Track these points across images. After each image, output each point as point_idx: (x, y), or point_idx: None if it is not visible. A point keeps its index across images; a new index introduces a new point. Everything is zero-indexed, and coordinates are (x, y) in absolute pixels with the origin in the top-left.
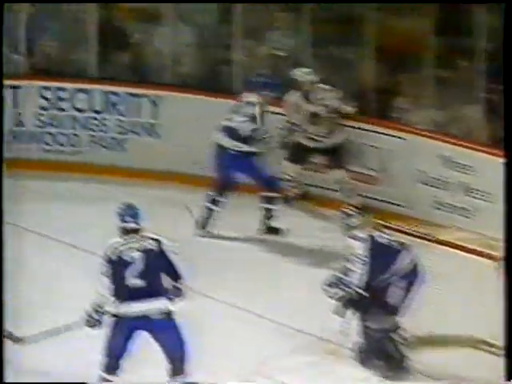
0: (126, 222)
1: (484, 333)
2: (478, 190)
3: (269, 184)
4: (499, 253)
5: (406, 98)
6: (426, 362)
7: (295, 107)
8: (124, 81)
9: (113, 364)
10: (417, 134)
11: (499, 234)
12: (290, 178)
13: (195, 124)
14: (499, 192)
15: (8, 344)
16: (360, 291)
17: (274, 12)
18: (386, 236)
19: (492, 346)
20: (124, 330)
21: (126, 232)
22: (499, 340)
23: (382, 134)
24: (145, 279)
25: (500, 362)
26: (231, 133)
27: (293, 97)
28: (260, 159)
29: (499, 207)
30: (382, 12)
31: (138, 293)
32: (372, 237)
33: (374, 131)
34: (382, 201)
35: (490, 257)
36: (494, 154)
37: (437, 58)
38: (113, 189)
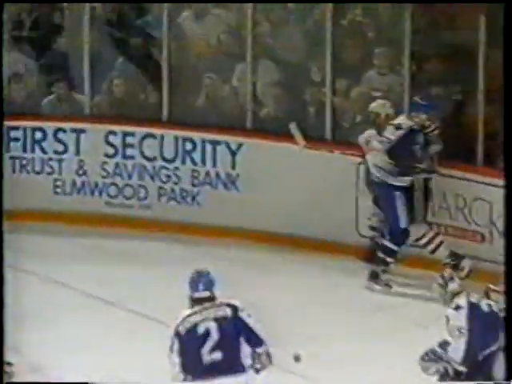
0: (198, 291)
1: None
2: None
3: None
4: None
5: None
6: None
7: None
8: (198, 125)
9: None
10: None
11: None
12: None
13: (280, 176)
14: None
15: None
16: (461, 368)
17: (372, 47)
18: (492, 302)
19: None
20: None
21: (199, 302)
22: None
23: (490, 184)
24: (223, 351)
25: None
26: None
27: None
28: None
29: None
30: (495, 47)
31: (218, 368)
32: (475, 304)
33: (482, 182)
34: (488, 261)
35: None
36: None
37: None
38: (184, 249)
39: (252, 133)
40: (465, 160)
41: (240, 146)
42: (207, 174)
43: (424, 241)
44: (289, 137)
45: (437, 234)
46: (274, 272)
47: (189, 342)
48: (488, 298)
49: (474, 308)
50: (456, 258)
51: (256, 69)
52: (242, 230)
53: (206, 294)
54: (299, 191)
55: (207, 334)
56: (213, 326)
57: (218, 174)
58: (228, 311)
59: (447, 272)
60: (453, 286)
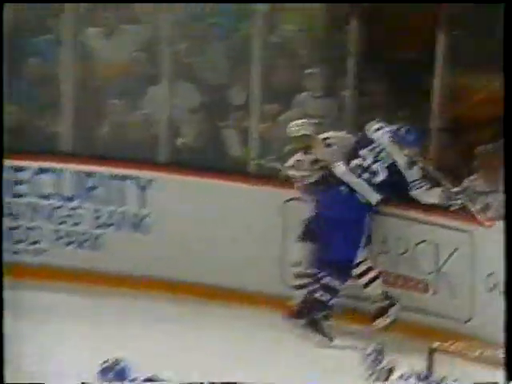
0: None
1: None
2: None
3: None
4: None
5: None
6: None
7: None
8: (103, 158)
9: None
10: (484, 225)
11: None
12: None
13: (197, 216)
14: None
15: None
16: None
17: (304, 69)
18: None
19: None
20: None
21: None
22: None
23: (437, 225)
24: None
25: None
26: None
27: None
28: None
29: None
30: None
31: None
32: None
33: (426, 222)
34: (435, 315)
35: None
36: None
37: None
38: (82, 300)
39: (165, 167)
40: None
41: (151, 181)
42: (112, 213)
43: (358, 271)
44: (209, 170)
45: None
46: (187, 326)
47: None
48: (430, 360)
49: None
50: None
51: (173, 92)
52: (151, 278)
53: None
54: (219, 233)
55: None
56: None
57: (124, 214)
58: None
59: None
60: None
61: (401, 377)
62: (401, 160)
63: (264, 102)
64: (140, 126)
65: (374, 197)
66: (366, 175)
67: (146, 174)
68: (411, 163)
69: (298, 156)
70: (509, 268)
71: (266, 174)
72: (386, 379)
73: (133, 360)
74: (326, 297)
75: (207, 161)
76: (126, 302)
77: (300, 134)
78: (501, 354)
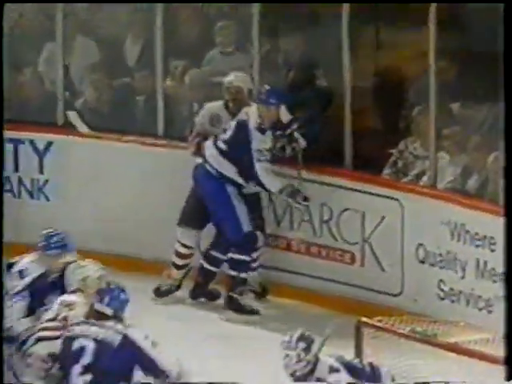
0: (102, 303)
1: None
2: (498, 271)
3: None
4: None
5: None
6: None
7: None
8: None
9: None
10: (413, 191)
11: None
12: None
13: (99, 180)
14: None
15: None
16: None
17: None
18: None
19: None
20: None
21: (97, 315)
22: None
23: (364, 192)
24: (95, 376)
25: None
26: None
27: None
28: None
29: None
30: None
31: None
32: (346, 364)
33: (353, 189)
34: (361, 287)
35: None
36: None
37: None
38: None
39: (63, 129)
40: (330, 162)
41: (49, 145)
42: (7, 180)
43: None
44: (111, 131)
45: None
46: None
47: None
48: (358, 334)
49: (349, 367)
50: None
51: (70, 48)
52: None
53: (108, 311)
54: (122, 198)
55: (81, 351)
56: (90, 347)
57: (20, 180)
58: (117, 339)
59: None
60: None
61: (330, 370)
62: (253, 122)
63: (170, 59)
64: (34, 85)
65: (226, 167)
66: (220, 144)
67: (43, 136)
68: (261, 129)
69: (219, 109)
70: (509, 265)
71: (174, 136)
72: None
73: None
74: (236, 272)
75: (110, 122)
76: None
77: (235, 84)
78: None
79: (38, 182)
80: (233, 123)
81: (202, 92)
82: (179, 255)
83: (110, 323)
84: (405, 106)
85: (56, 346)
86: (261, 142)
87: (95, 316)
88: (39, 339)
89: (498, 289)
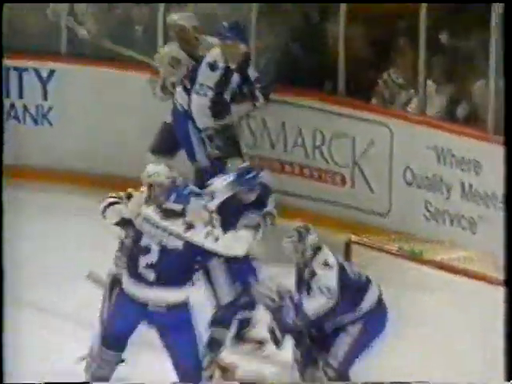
0: (168, 200)
1: None
2: (482, 193)
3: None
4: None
5: (397, 71)
6: None
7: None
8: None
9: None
10: (402, 117)
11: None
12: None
13: (99, 105)
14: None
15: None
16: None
17: None
18: (356, 269)
19: None
20: (129, 312)
21: (166, 213)
22: None
23: (355, 118)
24: (158, 275)
25: None
26: None
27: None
28: None
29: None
30: None
31: (148, 283)
32: (342, 266)
33: (344, 115)
34: (351, 207)
35: (496, 282)
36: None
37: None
38: None
39: (66, 58)
40: (323, 88)
41: (52, 73)
42: (12, 106)
43: None
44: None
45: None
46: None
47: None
48: (348, 252)
49: (341, 270)
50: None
51: None
52: (56, 170)
53: (177, 207)
54: (122, 123)
55: (147, 250)
56: (155, 249)
57: (25, 107)
58: (179, 245)
59: (302, 224)
60: (312, 238)
61: (325, 263)
62: (208, 58)
63: None
64: (38, 16)
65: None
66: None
67: (47, 64)
68: (212, 66)
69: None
70: (509, 263)
71: None
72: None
73: None
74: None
75: (110, 52)
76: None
77: (186, 24)
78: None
79: (43, 109)
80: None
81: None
82: None
83: (177, 224)
84: (395, 36)
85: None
86: (206, 78)
87: (163, 213)
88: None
89: (482, 210)
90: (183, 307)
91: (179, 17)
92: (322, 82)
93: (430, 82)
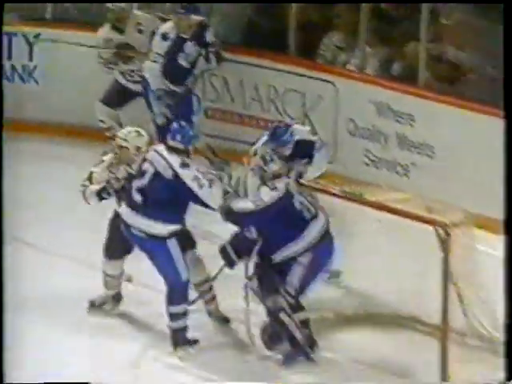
0: (174, 140)
1: (418, 311)
2: (416, 143)
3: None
4: (439, 216)
5: (337, 35)
6: (349, 345)
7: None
8: None
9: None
10: (346, 75)
11: (438, 194)
12: (104, 123)
13: (83, 66)
14: (440, 145)
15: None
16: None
17: None
18: (302, 198)
19: (428, 325)
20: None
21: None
22: (436, 319)
23: (305, 76)
24: (144, 198)
25: (435, 344)
26: None
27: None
28: None
29: (440, 163)
30: None
31: (137, 208)
32: (290, 194)
33: (295, 73)
34: None
35: (428, 222)
36: (437, 101)
37: None
38: None
39: (50, 23)
40: (277, 49)
41: (38, 35)
42: (2, 67)
43: None
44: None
45: None
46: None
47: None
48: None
49: (287, 196)
50: None
51: None
52: (42, 123)
53: (180, 146)
54: (102, 82)
55: (142, 174)
56: (149, 173)
57: (13, 67)
58: (169, 174)
59: (267, 153)
60: (273, 166)
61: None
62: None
63: None
64: None
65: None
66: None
67: (33, 29)
68: (164, 36)
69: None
70: (509, 266)
71: None
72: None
73: None
74: None
75: (92, 16)
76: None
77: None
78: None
79: (29, 68)
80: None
81: None
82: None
83: (173, 159)
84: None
85: None
86: (158, 47)
87: (168, 147)
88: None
89: (415, 157)
90: (162, 241)
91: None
92: (275, 44)
93: (366, 46)
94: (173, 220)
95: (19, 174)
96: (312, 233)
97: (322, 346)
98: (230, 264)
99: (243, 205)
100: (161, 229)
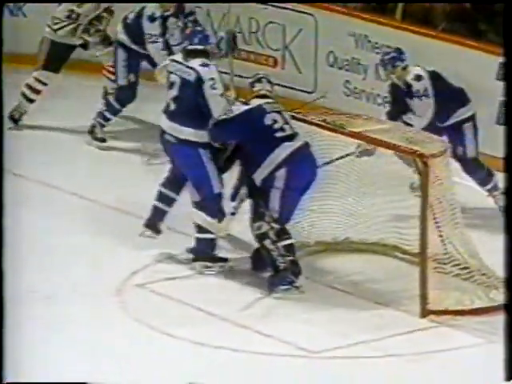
0: (192, 43)
1: (395, 238)
2: None
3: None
4: (418, 147)
5: None
6: (330, 271)
7: None
8: None
9: None
10: (326, 8)
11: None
12: None
13: None
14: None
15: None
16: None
17: None
18: (278, 116)
19: (404, 252)
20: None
21: (190, 53)
22: (411, 245)
23: (284, 8)
24: (178, 106)
25: (413, 270)
26: None
27: None
28: None
29: None
30: None
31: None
32: (261, 109)
33: (274, 5)
34: (282, 86)
35: (407, 152)
36: (414, 32)
37: None
38: None
39: None
40: None
41: None
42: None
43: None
44: None
45: None
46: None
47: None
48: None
49: (259, 112)
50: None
51: None
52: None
53: (199, 47)
54: None
55: (172, 84)
56: (177, 83)
57: None
58: (193, 77)
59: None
60: (259, 86)
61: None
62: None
63: None
64: None
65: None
66: None
67: None
68: (151, 18)
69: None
70: (509, 266)
71: None
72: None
73: None
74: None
75: None
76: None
77: None
78: None
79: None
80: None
81: None
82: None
83: (193, 61)
84: None
85: None
86: (150, 28)
87: (187, 54)
88: None
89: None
90: (194, 147)
91: None
92: None
93: None
94: (202, 126)
95: None
96: (282, 153)
97: (304, 272)
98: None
99: (220, 109)
100: (190, 134)
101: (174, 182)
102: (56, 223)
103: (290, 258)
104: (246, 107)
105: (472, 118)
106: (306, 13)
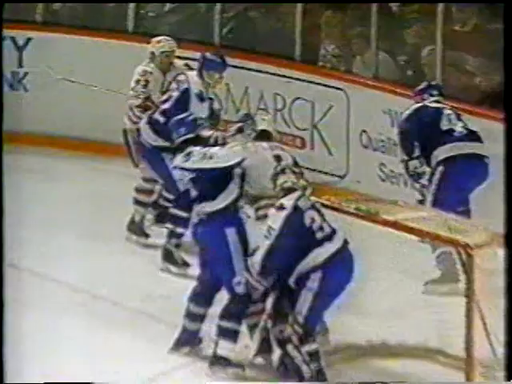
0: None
1: (439, 341)
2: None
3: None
4: (460, 236)
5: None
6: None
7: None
8: None
9: None
10: (357, 82)
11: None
12: None
13: (75, 72)
14: None
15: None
16: (256, 281)
17: None
18: (317, 216)
19: (448, 356)
20: None
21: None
22: (455, 349)
23: (312, 83)
24: None
25: (457, 376)
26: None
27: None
28: None
29: None
30: None
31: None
32: (300, 210)
33: (302, 80)
34: (309, 169)
35: (448, 242)
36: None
37: None
38: None
39: (42, 26)
40: (282, 55)
41: (28, 40)
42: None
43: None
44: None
45: None
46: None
47: None
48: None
49: (297, 213)
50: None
51: None
52: (31, 134)
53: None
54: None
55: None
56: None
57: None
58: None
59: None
60: (283, 178)
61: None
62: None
63: None
64: None
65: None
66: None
67: (23, 33)
68: (201, 97)
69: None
70: (509, 266)
71: (144, 31)
72: None
73: None
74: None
75: (84, 20)
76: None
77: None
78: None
79: (18, 75)
80: (174, 93)
81: None
82: None
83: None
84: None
85: None
86: (199, 111)
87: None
88: None
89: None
90: (220, 216)
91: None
92: (280, 49)
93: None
94: None
95: None
96: (323, 253)
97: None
98: None
99: (261, 251)
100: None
101: None
102: None
103: (316, 365)
104: (283, 214)
105: None
106: (335, 87)
